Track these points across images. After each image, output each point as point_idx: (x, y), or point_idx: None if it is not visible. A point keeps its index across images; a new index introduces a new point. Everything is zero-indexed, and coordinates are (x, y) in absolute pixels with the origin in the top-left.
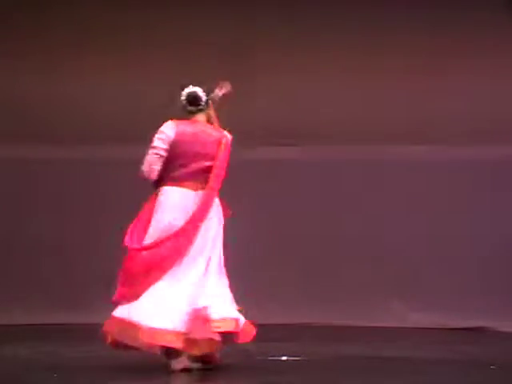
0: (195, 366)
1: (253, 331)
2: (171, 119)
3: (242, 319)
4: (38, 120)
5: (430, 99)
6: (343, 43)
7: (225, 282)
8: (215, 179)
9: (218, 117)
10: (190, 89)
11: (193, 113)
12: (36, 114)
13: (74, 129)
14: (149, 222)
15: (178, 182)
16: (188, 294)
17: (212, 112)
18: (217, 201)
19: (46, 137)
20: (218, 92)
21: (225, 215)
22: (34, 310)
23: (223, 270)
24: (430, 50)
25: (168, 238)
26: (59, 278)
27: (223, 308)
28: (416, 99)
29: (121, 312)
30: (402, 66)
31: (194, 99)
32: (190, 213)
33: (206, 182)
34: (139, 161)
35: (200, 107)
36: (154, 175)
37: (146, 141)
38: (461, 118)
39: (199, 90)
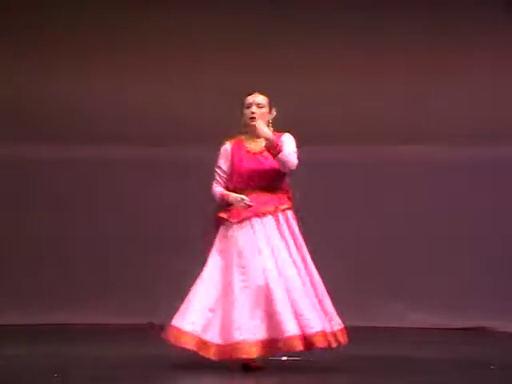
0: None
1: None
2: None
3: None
4: (38, 120)
5: (430, 100)
6: (344, 44)
7: None
8: None
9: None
10: None
11: None
12: (36, 113)
13: (74, 129)
14: None
15: None
16: None
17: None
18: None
19: (46, 137)
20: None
21: None
22: (34, 310)
23: None
24: (430, 51)
25: None
26: (58, 278)
27: None
28: (416, 100)
29: None
30: (402, 67)
31: None
32: None
33: None
34: (139, 161)
35: None
36: None
37: (147, 141)
38: (461, 119)
39: None
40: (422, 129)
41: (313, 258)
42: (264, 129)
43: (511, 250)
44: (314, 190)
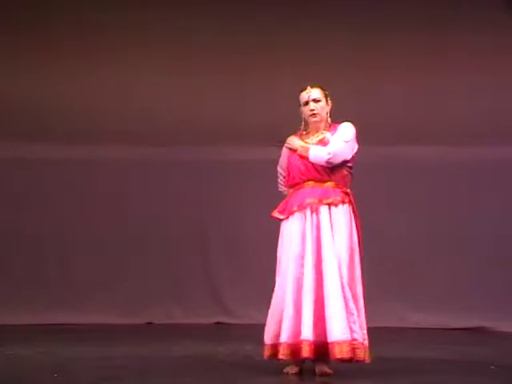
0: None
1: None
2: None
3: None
4: (38, 120)
5: (430, 99)
6: (343, 42)
7: None
8: None
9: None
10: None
11: None
12: (36, 114)
13: (75, 129)
14: None
15: None
16: None
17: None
18: None
19: (45, 137)
20: None
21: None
22: (35, 310)
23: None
24: (430, 50)
25: None
26: (59, 278)
27: None
28: (416, 99)
29: None
30: (401, 66)
31: None
32: None
33: None
34: (139, 161)
35: None
36: None
37: (147, 141)
38: (461, 119)
39: None
40: (422, 129)
41: None
42: (296, 143)
43: (510, 250)
44: None
